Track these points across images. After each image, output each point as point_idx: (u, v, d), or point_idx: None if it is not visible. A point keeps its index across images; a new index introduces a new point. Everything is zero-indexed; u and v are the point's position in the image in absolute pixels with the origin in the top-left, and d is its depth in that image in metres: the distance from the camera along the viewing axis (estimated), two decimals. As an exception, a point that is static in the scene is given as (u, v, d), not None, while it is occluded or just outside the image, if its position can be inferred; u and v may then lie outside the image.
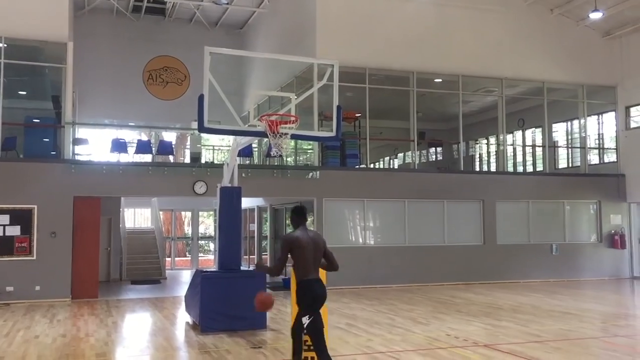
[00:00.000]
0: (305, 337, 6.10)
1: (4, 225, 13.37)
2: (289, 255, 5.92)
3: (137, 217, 24.07)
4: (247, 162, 16.45)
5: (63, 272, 13.64)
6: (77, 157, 15.02)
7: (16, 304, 12.95)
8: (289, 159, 18.29)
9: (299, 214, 6.24)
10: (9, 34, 14.09)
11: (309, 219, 16.49)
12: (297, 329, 5.95)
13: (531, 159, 21.99)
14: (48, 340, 8.96)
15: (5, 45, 14.12)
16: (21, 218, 13.47)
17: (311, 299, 5.85)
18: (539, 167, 20.81)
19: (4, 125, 14.08)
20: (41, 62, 15.55)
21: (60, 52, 14.54)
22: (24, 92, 17.93)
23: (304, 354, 6.22)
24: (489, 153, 23.33)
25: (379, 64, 16.81)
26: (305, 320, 5.77)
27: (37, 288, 13.38)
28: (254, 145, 16.82)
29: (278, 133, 8.40)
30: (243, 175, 13.65)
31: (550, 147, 19.99)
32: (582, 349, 8.21)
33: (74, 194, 13.94)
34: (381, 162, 25.34)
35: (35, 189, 13.65)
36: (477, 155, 24.00)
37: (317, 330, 5.83)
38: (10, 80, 15.34)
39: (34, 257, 13.49)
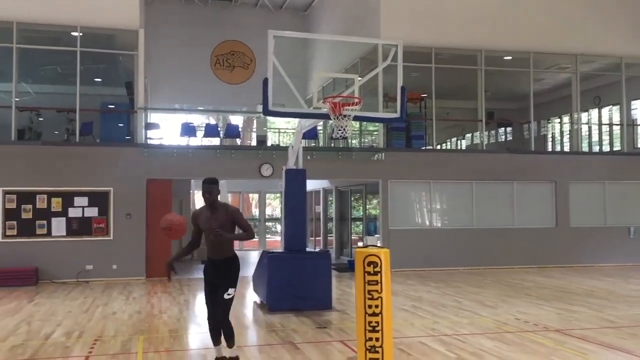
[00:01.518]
0: (376, 319, 6.08)
1: (83, 207, 14.08)
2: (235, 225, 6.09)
3: (206, 199, 24.68)
4: (312, 144, 16.54)
5: (138, 251, 14.24)
6: (149, 141, 15.55)
7: (95, 281, 13.66)
8: (354, 141, 18.26)
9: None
10: (84, 23, 14.67)
11: (375, 201, 16.45)
12: (229, 308, 6.11)
13: (608, 138, 20.99)
14: (124, 317, 9.40)
15: (81, 34, 14.72)
16: (99, 200, 14.14)
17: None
18: (617, 147, 19.84)
19: (81, 112, 14.73)
20: (114, 49, 16.14)
21: (132, 40, 15.03)
22: (99, 79, 18.70)
23: (369, 335, 6.21)
24: (561, 133, 22.44)
25: (446, 42, 16.43)
26: (233, 293, 6.08)
27: (114, 267, 14.04)
28: (318, 128, 16.89)
29: (342, 115, 8.39)
30: (308, 157, 13.76)
31: (629, 125, 19.01)
32: (660, 336, 7.84)
33: (147, 177, 14.48)
34: (448, 143, 24.87)
35: (111, 172, 14.27)
36: (549, 135, 23.14)
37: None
38: (86, 68, 16.02)
39: (111, 237, 14.15)
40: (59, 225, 13.91)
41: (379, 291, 6.17)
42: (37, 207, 13.83)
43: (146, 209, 14.45)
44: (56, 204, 13.94)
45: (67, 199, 13.99)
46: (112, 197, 14.21)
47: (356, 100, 8.81)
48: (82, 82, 14.98)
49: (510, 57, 17.62)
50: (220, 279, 6.05)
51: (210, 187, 5.97)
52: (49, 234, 13.84)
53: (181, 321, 9.18)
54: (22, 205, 13.77)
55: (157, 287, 12.96)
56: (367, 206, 18.21)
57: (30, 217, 13.79)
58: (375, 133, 18.00)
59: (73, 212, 14.01)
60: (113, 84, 18.55)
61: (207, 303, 6.15)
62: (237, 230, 6.10)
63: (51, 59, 16.57)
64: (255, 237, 5.53)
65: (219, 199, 6.04)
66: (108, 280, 13.77)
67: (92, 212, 14.10)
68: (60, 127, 15.96)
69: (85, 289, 12.60)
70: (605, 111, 20.91)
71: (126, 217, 14.23)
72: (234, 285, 6.10)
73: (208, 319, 6.15)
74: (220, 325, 6.08)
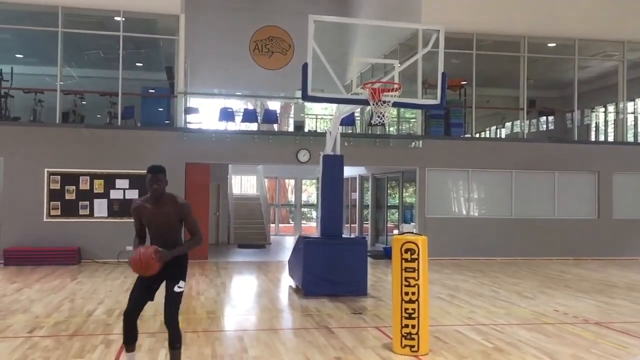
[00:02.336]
0: (412, 306, 6.08)
1: (124, 189, 14.37)
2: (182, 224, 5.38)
3: (243, 184, 24.97)
4: (350, 131, 16.47)
5: (176, 234, 14.44)
6: (189, 126, 15.74)
7: (135, 262, 13.93)
8: (391, 128, 18.13)
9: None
10: (127, 8, 14.87)
11: (412, 189, 16.33)
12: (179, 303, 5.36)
13: (654, 128, 20.31)
14: (163, 297, 9.56)
15: (124, 19, 14.94)
16: (139, 183, 14.39)
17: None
18: (663, 137, 19.20)
19: (123, 95, 15.00)
20: (156, 34, 16.34)
21: (173, 25, 15.19)
22: (141, 64, 18.98)
23: (405, 322, 6.20)
24: (606, 122, 21.81)
25: (487, 28, 16.11)
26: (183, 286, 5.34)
27: (154, 248, 14.28)
28: (356, 114, 16.81)
29: (381, 101, 8.33)
30: (345, 144, 13.72)
31: (677, 115, 18.38)
32: None
33: (185, 161, 14.67)
34: (487, 132, 24.46)
35: (151, 156, 14.39)
36: (593, 125, 22.52)
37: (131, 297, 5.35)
38: (128, 52, 16.27)
39: (151, 220, 14.38)
40: (100, 207, 14.25)
41: (416, 278, 6.15)
42: (80, 188, 14.19)
43: (185, 192, 14.65)
44: (98, 185, 14.27)
45: (109, 181, 14.31)
46: (151, 180, 14.42)
47: (396, 86, 8.74)
48: (124, 66, 15.23)
49: (554, 44, 17.19)
50: (169, 271, 5.24)
51: (157, 177, 5.13)
52: (91, 214, 14.20)
53: (218, 303, 9.32)
54: (66, 186, 14.14)
55: (194, 268, 13.17)
56: (404, 194, 18.09)
57: (74, 198, 14.16)
58: (413, 120, 17.83)
59: (114, 194, 14.32)
60: (154, 69, 18.81)
61: (131, 297, 5.24)
62: (183, 234, 5.35)
63: (94, 43, 16.88)
64: (201, 243, 4.89)
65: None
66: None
67: (133, 194, 14.38)
68: (102, 110, 16.29)
69: (125, 269, 12.87)
70: (652, 100, 20.22)
71: (165, 200, 14.43)
72: (184, 278, 5.36)
73: (125, 315, 5.21)
74: (170, 325, 5.22)
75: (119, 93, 14.91)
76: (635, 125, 20.26)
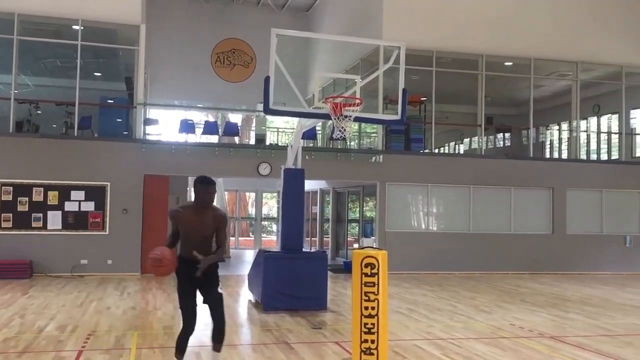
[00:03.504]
0: (372, 321, 6.08)
1: (80, 201, 14.03)
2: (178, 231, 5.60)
3: (203, 196, 24.64)
4: (311, 144, 16.52)
5: (133, 247, 14.19)
6: (148, 137, 15.50)
7: (90, 276, 13.61)
8: (352, 143, 18.24)
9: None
10: (86, 17, 14.61)
11: (372, 203, 16.43)
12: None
13: (606, 146, 21.01)
14: (119, 312, 9.36)
15: (82, 28, 14.67)
16: (95, 194, 14.09)
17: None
18: (614, 155, 19.87)
19: (80, 105, 14.68)
20: (115, 44, 16.09)
21: (133, 35, 14.99)
22: (99, 74, 18.65)
23: (364, 336, 6.18)
24: (560, 140, 22.46)
25: (447, 46, 16.43)
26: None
27: (109, 262, 13.99)
28: (317, 128, 16.87)
29: (342, 115, 8.37)
30: (307, 157, 13.74)
31: (628, 134, 19.04)
32: (655, 345, 7.84)
33: (144, 172, 14.44)
34: (446, 147, 24.87)
35: (109, 167, 14.22)
36: (548, 142, 23.16)
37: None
38: (86, 61, 15.98)
39: (107, 232, 14.10)
40: (54, 219, 13.86)
41: (376, 293, 6.15)
42: (33, 199, 13.78)
43: (143, 204, 14.41)
44: (52, 197, 13.89)
45: (64, 193, 13.94)
46: (108, 192, 14.16)
47: (357, 101, 8.80)
48: (82, 76, 14.93)
49: (510, 63, 17.64)
50: (209, 277, 5.51)
51: (211, 189, 5.46)
52: (44, 227, 13.80)
53: (175, 318, 9.13)
54: (19, 198, 13.71)
55: (151, 283, 12.91)
56: (364, 208, 18.19)
57: (26, 209, 13.74)
58: (373, 135, 17.99)
59: (69, 206, 13.96)
60: (113, 79, 18.51)
61: (186, 309, 5.52)
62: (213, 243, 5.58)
63: (51, 51, 16.53)
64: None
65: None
66: (103, 275, 13.71)
67: (89, 206, 14.05)
68: (58, 120, 15.91)
69: (79, 284, 12.54)
70: (604, 119, 20.93)
71: (122, 213, 14.17)
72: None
73: (186, 328, 5.53)
74: (223, 324, 5.69)
75: (76, 103, 14.59)
76: (588, 143, 20.93)
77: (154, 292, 11.67)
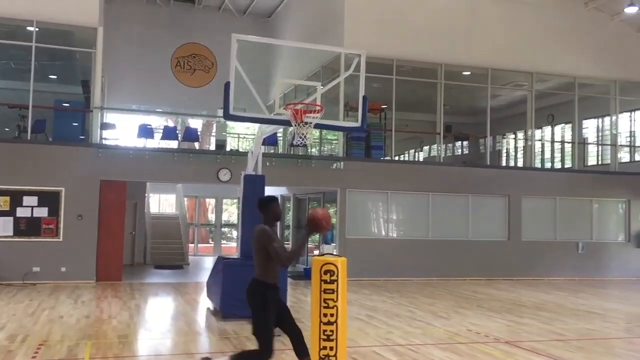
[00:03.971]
0: (330, 327, 6.07)
1: (32, 207, 13.61)
2: (263, 251, 5.52)
3: (161, 202, 24.33)
4: (272, 151, 16.49)
5: (88, 254, 13.86)
6: (105, 142, 15.21)
7: (42, 284, 13.21)
8: (313, 149, 18.28)
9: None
10: (41, 18, 14.26)
11: (332, 209, 16.50)
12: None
13: (560, 155, 21.64)
14: (72, 321, 9.11)
15: (37, 29, 14.30)
16: (49, 200, 13.70)
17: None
18: (568, 164, 20.47)
19: (34, 109, 14.28)
20: (72, 46, 15.74)
21: (91, 37, 14.68)
22: (55, 76, 18.21)
23: (323, 344, 6.18)
24: (516, 148, 23.01)
25: (407, 55, 16.65)
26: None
27: (63, 269, 13.61)
28: (278, 134, 16.85)
29: (303, 122, 8.37)
30: (267, 164, 13.68)
31: (580, 143, 19.64)
32: (605, 349, 8.06)
33: (100, 178, 14.12)
34: (406, 155, 25.17)
35: (63, 172, 13.87)
36: (504, 150, 23.69)
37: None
38: (42, 64, 15.57)
39: (61, 239, 13.72)
40: (5, 225, 13.41)
41: (335, 300, 6.15)
42: (-17, 205, 13.32)
43: (99, 210, 14.09)
44: (3, 202, 13.44)
45: (16, 198, 13.50)
46: (63, 198, 13.80)
47: (318, 108, 8.80)
48: (37, 78, 14.57)
49: (469, 73, 17.99)
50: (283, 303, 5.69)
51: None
52: (-6, 233, 13.34)
53: (131, 326, 8.95)
54: (-33, 203, 13.24)
55: (107, 291, 12.63)
56: (325, 214, 18.18)
57: (-24, 215, 13.27)
58: (334, 142, 18.07)
59: (21, 212, 13.53)
60: (69, 82, 18.08)
61: (271, 336, 5.45)
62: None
63: (4, 53, 16.05)
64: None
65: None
66: (56, 283, 13.33)
67: (42, 212, 13.66)
68: (11, 123, 15.42)
69: (31, 292, 12.16)
70: (558, 129, 21.55)
71: (77, 219, 13.83)
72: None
73: (270, 354, 5.42)
74: (302, 337, 5.65)
75: (30, 106, 14.19)
76: (542, 151, 21.51)
77: (109, 300, 11.41)
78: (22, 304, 10.65)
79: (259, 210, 5.75)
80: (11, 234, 13.43)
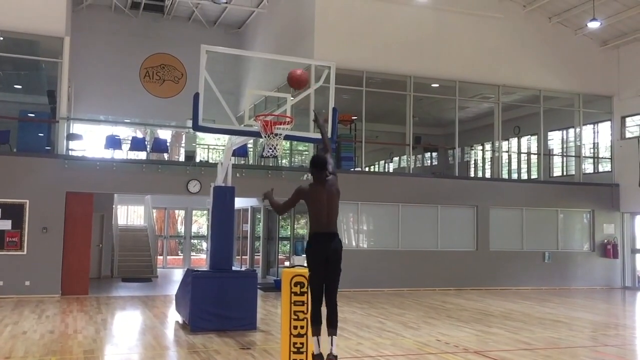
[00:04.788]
0: (301, 340, 6.06)
1: (-4, 219, 13.29)
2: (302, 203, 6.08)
3: (130, 214, 23.97)
4: (242, 162, 16.40)
5: (53, 267, 13.56)
6: (71, 153, 14.94)
7: (5, 299, 12.86)
8: (284, 160, 18.25)
9: (313, 165, 6.17)
10: (5, 27, 14.01)
11: (303, 221, 16.44)
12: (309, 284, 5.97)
13: (526, 166, 22.03)
14: (36, 336, 8.89)
15: (1, 38, 14.04)
16: (12, 212, 13.38)
17: (313, 251, 5.89)
18: (534, 175, 20.85)
19: (-2, 119, 13.99)
20: (37, 56, 15.46)
21: (57, 47, 14.46)
22: (20, 86, 17.86)
23: (293, 356, 6.17)
24: (484, 159, 23.36)
25: (376, 67, 16.80)
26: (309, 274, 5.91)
27: (27, 283, 13.29)
28: (249, 146, 16.78)
29: (273, 133, 8.36)
30: (237, 175, 13.62)
31: (546, 155, 20.03)
32: (571, 357, 8.20)
33: (66, 190, 13.87)
34: (376, 166, 25.33)
35: (28, 184, 13.58)
36: (472, 162, 24.02)
37: (313, 285, 5.93)
38: (6, 73, 15.30)
39: (25, 252, 13.40)
40: (-33, 238, 13.06)
41: (305, 312, 6.15)
42: (-57, 218, 12.95)
43: (64, 223, 13.82)
44: (-35, 215, 13.10)
45: (-22, 211, 13.17)
46: (27, 210, 13.49)
47: (288, 120, 8.82)
48: (1, 88, 14.27)
49: (437, 85, 18.23)
50: (337, 255, 5.94)
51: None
52: (-45, 247, 12.97)
53: (97, 342, 8.77)
54: None
55: (72, 305, 12.36)
56: (295, 226, 18.18)
57: None
58: (305, 153, 18.08)
59: (-16, 224, 13.20)
60: (34, 92, 17.73)
61: (319, 290, 5.88)
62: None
63: (-33, 62, 15.71)
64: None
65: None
66: (20, 297, 12.99)
67: (5, 225, 13.32)
68: (-27, 134, 15.05)
69: (-7, 307, 11.83)
70: (524, 141, 21.96)
71: (42, 231, 13.53)
72: (308, 265, 6.04)
73: (319, 310, 5.88)
74: (335, 310, 5.97)
75: (-6, 116, 13.89)
76: (509, 163, 21.88)
77: (74, 314, 11.17)
78: (-16, 319, 10.35)
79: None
80: (-27, 247, 13.08)
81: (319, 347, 6.01)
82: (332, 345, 5.85)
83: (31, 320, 10.37)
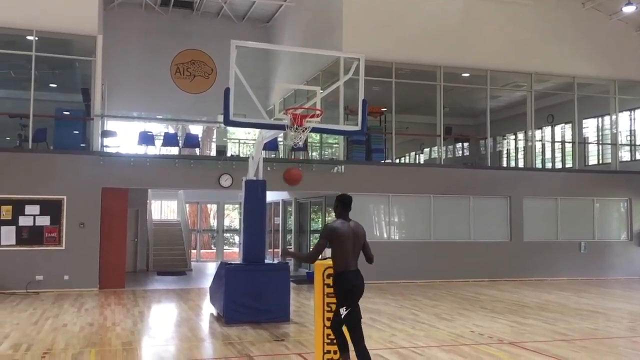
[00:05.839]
0: (329, 331, 6.10)
1: (34, 216, 13.64)
2: (329, 245, 5.92)
3: (163, 209, 24.37)
4: (273, 155, 16.49)
5: (91, 262, 13.87)
6: (106, 149, 15.23)
7: (45, 292, 13.23)
8: (314, 153, 18.30)
9: (344, 203, 6.13)
10: (41, 27, 14.31)
11: (334, 213, 16.49)
12: (334, 323, 5.91)
13: (560, 155, 21.64)
14: (76, 329, 9.12)
15: (37, 38, 14.35)
16: (51, 208, 13.72)
17: (348, 290, 5.82)
18: (568, 164, 20.47)
19: (35, 117, 14.33)
20: (71, 55, 15.78)
21: (90, 46, 14.72)
22: (55, 85, 18.25)
23: (327, 347, 6.21)
24: (516, 149, 23.02)
25: (406, 58, 16.68)
26: (343, 312, 5.77)
27: (66, 277, 13.63)
28: (279, 139, 16.85)
29: (303, 126, 8.39)
30: (268, 168, 13.69)
31: (580, 143, 19.65)
32: (608, 348, 8.06)
33: (102, 186, 14.15)
34: (407, 157, 25.18)
35: (65, 180, 13.89)
36: (505, 151, 23.70)
37: (354, 321, 5.81)
38: (42, 73, 15.62)
39: (63, 247, 13.74)
40: (8, 234, 13.43)
41: (338, 303, 6.15)
42: (-15, 214, 13.35)
43: (100, 218, 14.11)
44: (6, 212, 13.46)
45: (18, 207, 13.53)
46: (65, 206, 13.82)
47: (317, 112, 8.83)
48: (37, 87, 14.61)
49: (468, 74, 18.01)
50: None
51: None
52: (-3, 242, 13.36)
53: (135, 334, 8.96)
54: (-30, 213, 13.27)
55: (110, 298, 12.64)
56: (327, 218, 18.22)
57: (-22, 225, 13.29)
58: (335, 146, 18.08)
59: (23, 221, 13.55)
60: (69, 90, 18.13)
61: (358, 323, 5.88)
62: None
63: (4, 62, 16.10)
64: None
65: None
66: (59, 292, 13.34)
67: (44, 220, 13.68)
68: (12, 132, 15.45)
69: (34, 300, 12.17)
70: (558, 129, 21.56)
71: (79, 227, 13.85)
72: (340, 304, 5.96)
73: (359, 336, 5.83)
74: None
75: (30, 115, 14.23)
76: (543, 152, 21.51)
77: (112, 307, 11.42)
78: (26, 312, 10.66)
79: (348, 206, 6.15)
80: (14, 243, 13.45)
81: None
82: None
83: (71, 313, 10.64)
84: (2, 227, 13.40)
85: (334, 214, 6.23)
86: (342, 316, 5.77)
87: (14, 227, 13.48)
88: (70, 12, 14.41)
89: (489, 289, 14.55)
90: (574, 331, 9.16)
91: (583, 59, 18.07)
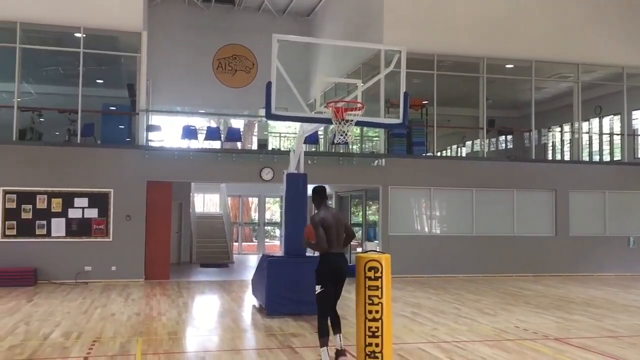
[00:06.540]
0: (376, 324, 6.09)
1: (83, 208, 14.06)
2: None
3: (206, 202, 24.77)
4: (313, 149, 16.54)
5: (137, 253, 14.22)
6: (150, 144, 15.55)
7: (94, 283, 13.64)
8: (354, 147, 18.27)
9: (319, 194, 6.96)
10: (87, 24, 14.69)
11: (375, 207, 16.45)
12: (317, 301, 6.56)
13: (608, 147, 21.00)
14: (123, 318, 9.38)
15: (84, 35, 14.74)
16: (98, 201, 14.13)
17: (327, 268, 6.50)
18: (617, 157, 19.85)
19: (83, 113, 14.74)
20: (117, 51, 16.14)
21: (135, 42, 15.04)
22: (101, 81, 18.71)
23: (369, 340, 6.20)
24: (562, 141, 22.45)
25: (448, 49, 16.46)
26: (317, 289, 6.49)
27: (113, 268, 14.01)
28: (320, 133, 16.90)
29: (344, 120, 8.37)
30: (309, 162, 13.76)
31: (630, 135, 19.02)
32: (660, 346, 7.83)
33: (147, 179, 14.47)
34: (449, 150, 24.86)
35: (112, 174, 14.27)
36: (550, 144, 23.15)
37: (326, 298, 6.50)
38: (88, 69, 16.03)
39: (110, 239, 14.13)
40: (58, 226, 13.90)
41: (380, 297, 6.16)
42: (37, 207, 13.82)
43: (146, 211, 14.44)
44: (56, 204, 13.93)
45: (67, 200, 13.98)
46: (112, 199, 14.20)
47: (359, 106, 8.80)
48: (84, 83, 14.99)
49: (512, 66, 17.65)
50: (346, 273, 6.67)
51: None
52: (48, 234, 13.83)
53: (180, 324, 9.16)
54: (22, 205, 13.75)
55: (155, 289, 12.94)
56: (367, 212, 18.20)
57: (30, 217, 13.78)
58: (375, 139, 18.01)
59: (73, 213, 13.99)
60: (115, 86, 18.57)
61: (328, 306, 6.59)
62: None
63: (53, 59, 16.60)
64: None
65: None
66: (107, 282, 13.74)
67: (92, 213, 14.09)
68: (61, 128, 15.96)
69: (83, 290, 12.57)
70: (606, 121, 20.93)
71: (126, 219, 14.21)
72: (317, 282, 6.64)
73: (326, 324, 6.55)
74: (337, 314, 6.73)
75: (79, 110, 14.65)
76: (590, 144, 20.92)
77: (158, 298, 11.69)
78: (76, 302, 11.02)
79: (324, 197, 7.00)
80: (64, 234, 13.91)
81: (328, 356, 6.36)
82: (340, 341, 6.60)
83: (118, 303, 10.94)
84: (52, 219, 13.87)
85: (313, 205, 7.11)
86: (316, 292, 6.49)
87: (63, 219, 13.93)
88: (116, 9, 14.75)
89: (533, 284, 14.29)
90: (622, 328, 8.93)
91: (633, 48, 17.49)
